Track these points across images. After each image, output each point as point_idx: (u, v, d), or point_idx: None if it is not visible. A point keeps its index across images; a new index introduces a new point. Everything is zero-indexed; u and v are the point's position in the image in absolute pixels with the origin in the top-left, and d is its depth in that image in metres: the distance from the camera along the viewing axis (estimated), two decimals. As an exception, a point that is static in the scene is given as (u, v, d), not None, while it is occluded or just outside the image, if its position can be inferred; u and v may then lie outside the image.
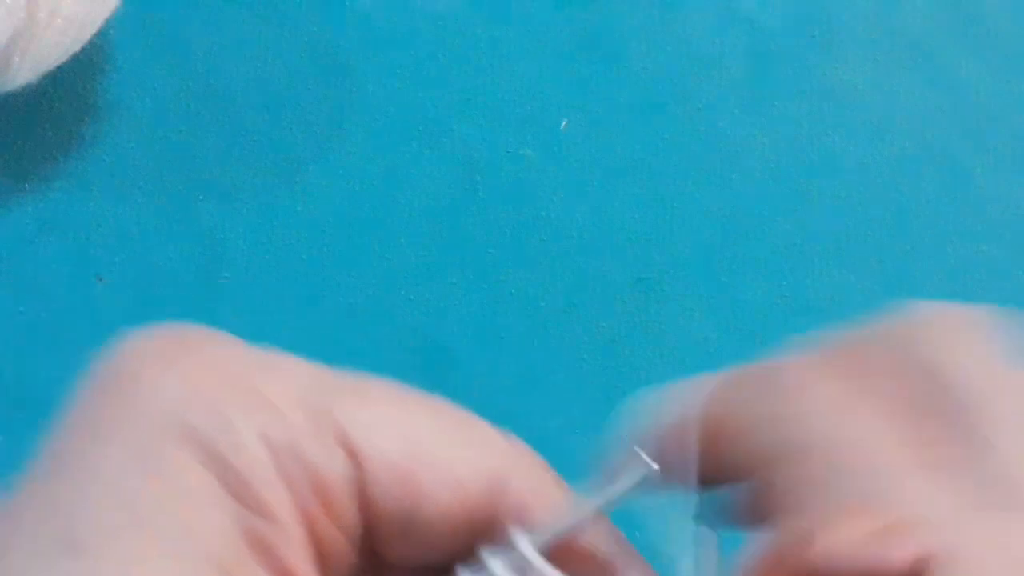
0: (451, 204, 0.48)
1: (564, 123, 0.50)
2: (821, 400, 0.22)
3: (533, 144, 0.49)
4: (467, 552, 0.23)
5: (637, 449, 0.23)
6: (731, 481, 0.23)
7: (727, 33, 0.51)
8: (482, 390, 0.46)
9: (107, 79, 0.48)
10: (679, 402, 0.24)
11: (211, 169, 0.47)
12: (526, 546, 0.22)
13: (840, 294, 0.48)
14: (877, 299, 0.48)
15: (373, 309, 0.46)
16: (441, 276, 0.47)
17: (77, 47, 0.44)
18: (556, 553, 0.23)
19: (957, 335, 0.22)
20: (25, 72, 0.42)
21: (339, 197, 0.48)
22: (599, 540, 0.23)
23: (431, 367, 0.46)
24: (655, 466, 0.23)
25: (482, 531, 0.22)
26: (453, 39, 0.50)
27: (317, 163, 0.48)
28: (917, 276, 0.49)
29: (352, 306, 0.46)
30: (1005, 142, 0.50)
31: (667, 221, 0.49)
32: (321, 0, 0.50)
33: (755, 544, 0.21)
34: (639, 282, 0.48)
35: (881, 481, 0.20)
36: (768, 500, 0.22)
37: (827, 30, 0.51)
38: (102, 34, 0.45)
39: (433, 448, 0.22)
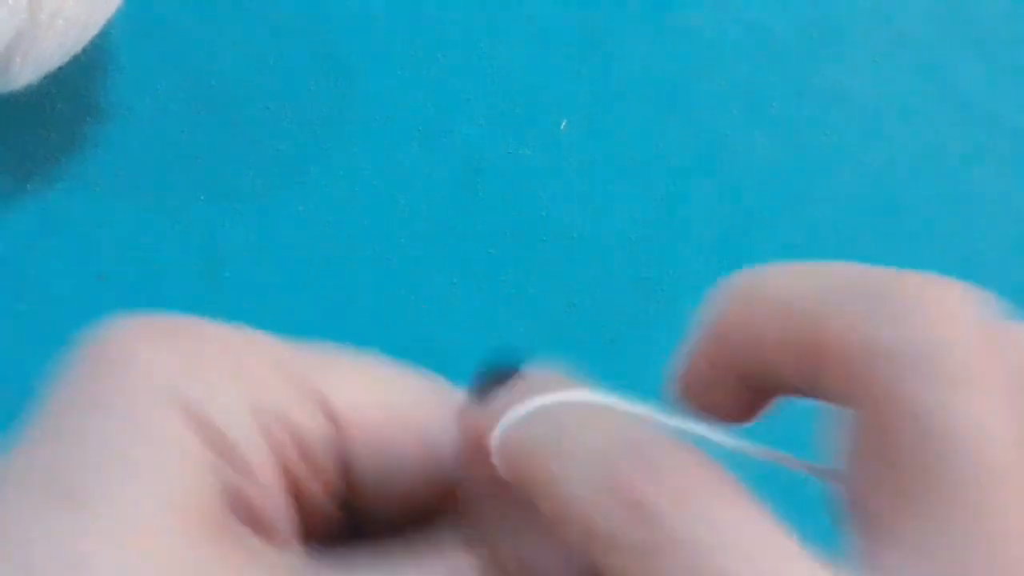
0: (451, 204, 0.48)
1: (564, 123, 0.50)
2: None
3: (533, 144, 0.49)
4: (446, 507, 0.24)
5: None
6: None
7: (727, 33, 0.51)
8: (482, 390, 0.46)
9: (108, 80, 0.48)
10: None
11: (211, 169, 0.48)
12: None
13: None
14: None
15: (372, 308, 0.46)
16: (441, 276, 0.47)
17: (79, 48, 0.44)
18: None
19: None
20: (27, 73, 0.42)
21: (339, 197, 0.48)
22: None
23: (430, 366, 0.46)
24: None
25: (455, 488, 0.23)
26: (453, 39, 0.51)
27: (317, 163, 0.48)
28: (917, 276, 0.49)
29: (352, 306, 0.46)
30: (1004, 142, 0.50)
31: (667, 221, 0.49)
32: (321, 0, 0.51)
33: None
34: (639, 282, 0.48)
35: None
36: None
37: (827, 30, 0.52)
38: (103, 35, 0.45)
39: (410, 411, 0.23)
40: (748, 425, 0.24)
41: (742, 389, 0.24)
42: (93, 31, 0.44)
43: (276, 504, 0.22)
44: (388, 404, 0.23)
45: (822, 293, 0.22)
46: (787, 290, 0.23)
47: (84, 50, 0.44)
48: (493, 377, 0.23)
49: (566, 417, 0.22)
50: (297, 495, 0.22)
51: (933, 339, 0.20)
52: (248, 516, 0.21)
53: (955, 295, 0.22)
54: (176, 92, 0.49)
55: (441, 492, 0.24)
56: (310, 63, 0.50)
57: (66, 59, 0.44)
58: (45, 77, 0.44)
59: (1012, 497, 0.18)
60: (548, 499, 0.20)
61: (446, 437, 0.23)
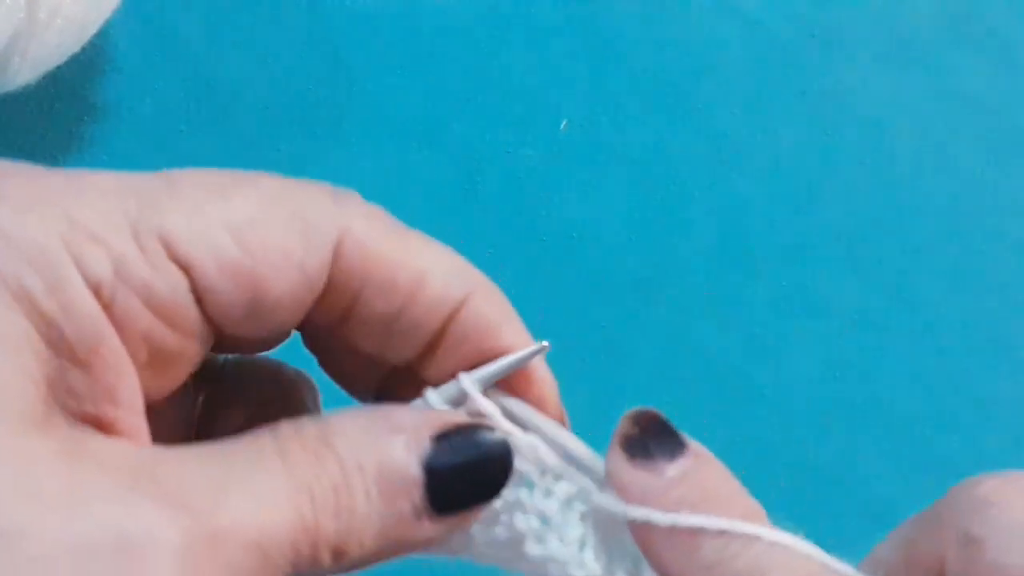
0: (451, 204, 0.48)
1: (564, 123, 0.50)
2: None
3: (533, 144, 0.49)
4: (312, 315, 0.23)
5: None
6: None
7: (727, 33, 0.51)
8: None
9: (107, 79, 0.48)
10: None
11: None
12: (465, 381, 0.24)
13: (840, 294, 0.48)
14: (877, 299, 0.48)
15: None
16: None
17: (77, 47, 0.44)
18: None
19: None
20: (25, 72, 0.42)
21: (339, 197, 0.48)
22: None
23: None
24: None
25: (331, 300, 0.23)
26: (453, 39, 0.50)
27: (317, 163, 0.48)
28: (917, 276, 0.49)
29: (352, 306, 0.46)
30: (1005, 142, 0.50)
31: (667, 221, 0.49)
32: (321, 0, 0.50)
33: None
34: (639, 282, 0.48)
35: None
36: None
37: (827, 30, 0.51)
38: (102, 35, 0.45)
39: (266, 233, 0.22)
40: None
41: None
42: (92, 30, 0.44)
43: (106, 389, 0.21)
44: (243, 232, 0.22)
45: None
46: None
47: (82, 49, 0.44)
48: (653, 435, 0.23)
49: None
50: (154, 350, 0.22)
51: None
52: (72, 403, 0.21)
53: None
54: (175, 92, 0.49)
55: (315, 306, 0.23)
56: (310, 63, 0.50)
57: (64, 58, 0.44)
58: (43, 76, 0.44)
59: None
60: None
61: (310, 254, 0.22)
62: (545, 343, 0.25)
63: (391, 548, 0.22)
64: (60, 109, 0.48)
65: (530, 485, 0.24)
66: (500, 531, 0.23)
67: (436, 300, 0.24)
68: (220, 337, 0.23)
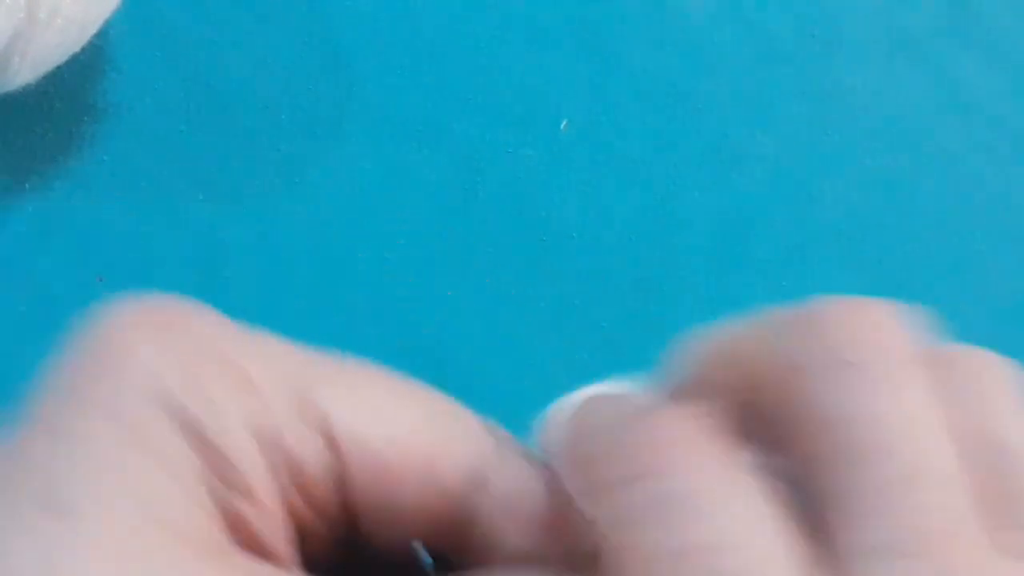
0: (451, 204, 0.48)
1: (564, 123, 0.50)
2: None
3: (533, 144, 0.49)
4: (448, 535, 0.23)
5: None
6: None
7: (727, 33, 0.51)
8: (481, 390, 0.45)
9: (107, 79, 0.48)
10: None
11: (211, 169, 0.47)
12: None
13: (840, 294, 0.48)
14: (877, 299, 0.48)
15: (372, 309, 0.46)
16: (441, 276, 0.47)
17: (77, 47, 0.44)
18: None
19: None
20: (25, 72, 0.42)
21: (339, 197, 0.48)
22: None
23: (430, 367, 0.46)
24: None
25: (461, 519, 0.23)
26: (453, 39, 0.50)
27: (317, 163, 0.48)
28: (917, 276, 0.49)
29: (351, 306, 0.46)
30: (1005, 142, 0.50)
31: (667, 221, 0.49)
32: (321, 0, 0.50)
33: None
34: (639, 282, 0.48)
35: None
36: None
37: (827, 30, 0.51)
38: (102, 34, 0.45)
39: (415, 439, 0.22)
40: None
41: None
42: (92, 30, 0.44)
43: (276, 530, 0.21)
44: (394, 429, 0.22)
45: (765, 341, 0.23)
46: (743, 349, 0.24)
47: (83, 49, 0.44)
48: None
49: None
50: (293, 519, 0.21)
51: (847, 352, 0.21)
52: (248, 541, 0.20)
53: (873, 314, 0.23)
54: (175, 92, 0.49)
55: (446, 523, 0.23)
56: (310, 63, 0.50)
57: (64, 58, 0.44)
58: (43, 77, 0.44)
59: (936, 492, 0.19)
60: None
61: (452, 469, 0.22)
62: None
63: None
64: (60, 109, 0.48)
65: None
66: None
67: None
68: (353, 534, 0.23)
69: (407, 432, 0.22)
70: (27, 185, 0.47)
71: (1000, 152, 0.50)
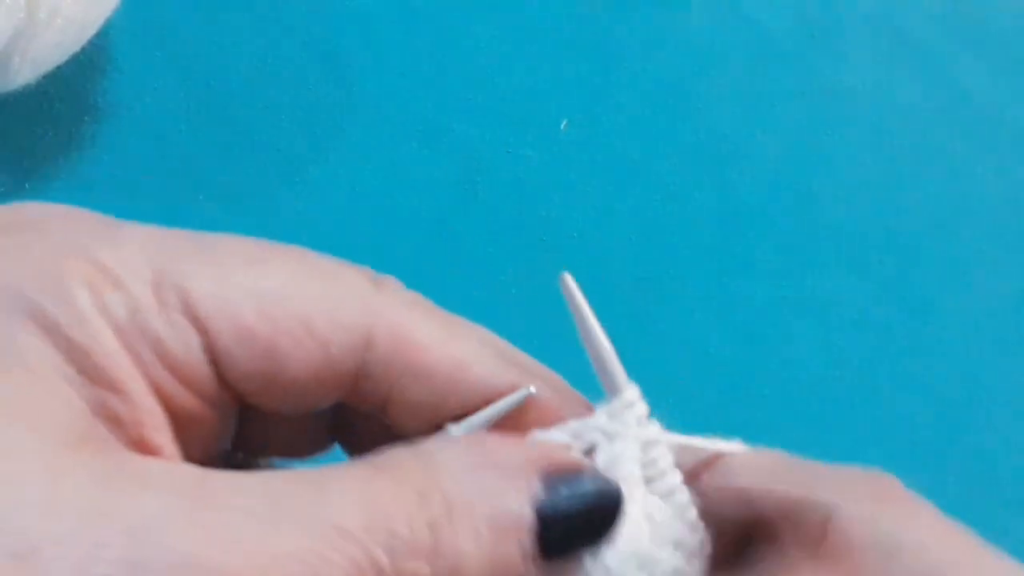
0: (451, 204, 0.48)
1: (564, 123, 0.50)
2: None
3: (533, 144, 0.49)
4: (344, 396, 0.23)
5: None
6: None
7: (727, 33, 0.51)
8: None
9: (107, 79, 0.48)
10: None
11: (211, 169, 0.47)
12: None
13: (840, 294, 0.48)
14: (877, 299, 0.48)
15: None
16: (441, 275, 0.47)
17: (77, 47, 0.44)
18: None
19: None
20: (25, 72, 0.42)
21: (339, 197, 0.48)
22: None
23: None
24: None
25: (351, 374, 0.22)
26: (453, 39, 0.50)
27: (317, 163, 0.48)
28: (917, 276, 0.49)
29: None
30: (1005, 142, 0.50)
31: (667, 221, 0.49)
32: (321, 0, 0.50)
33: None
34: (639, 282, 0.48)
35: None
36: None
37: (827, 30, 0.51)
38: (102, 34, 0.45)
39: (291, 306, 0.22)
40: None
41: None
42: (92, 30, 0.44)
43: (145, 417, 0.21)
44: (267, 300, 0.22)
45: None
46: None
47: (83, 49, 0.44)
48: None
49: None
50: (168, 405, 0.21)
51: None
52: (116, 430, 0.20)
53: None
54: (175, 92, 0.49)
55: (338, 385, 0.22)
56: (310, 63, 0.50)
57: (64, 58, 0.44)
58: (43, 76, 0.44)
59: None
60: None
61: (337, 332, 0.22)
62: (532, 388, 0.24)
63: None
64: (60, 109, 0.48)
65: None
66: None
67: (479, 389, 0.23)
68: (244, 407, 0.22)
69: (281, 300, 0.22)
70: (27, 185, 0.47)
71: (1000, 152, 0.50)
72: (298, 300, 0.22)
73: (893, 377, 0.47)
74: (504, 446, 0.22)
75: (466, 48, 0.50)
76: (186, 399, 0.21)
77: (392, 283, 0.24)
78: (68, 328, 0.20)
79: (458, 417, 0.23)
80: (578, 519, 0.22)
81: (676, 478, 0.23)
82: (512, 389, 0.23)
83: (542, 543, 0.21)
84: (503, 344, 0.25)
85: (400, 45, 0.50)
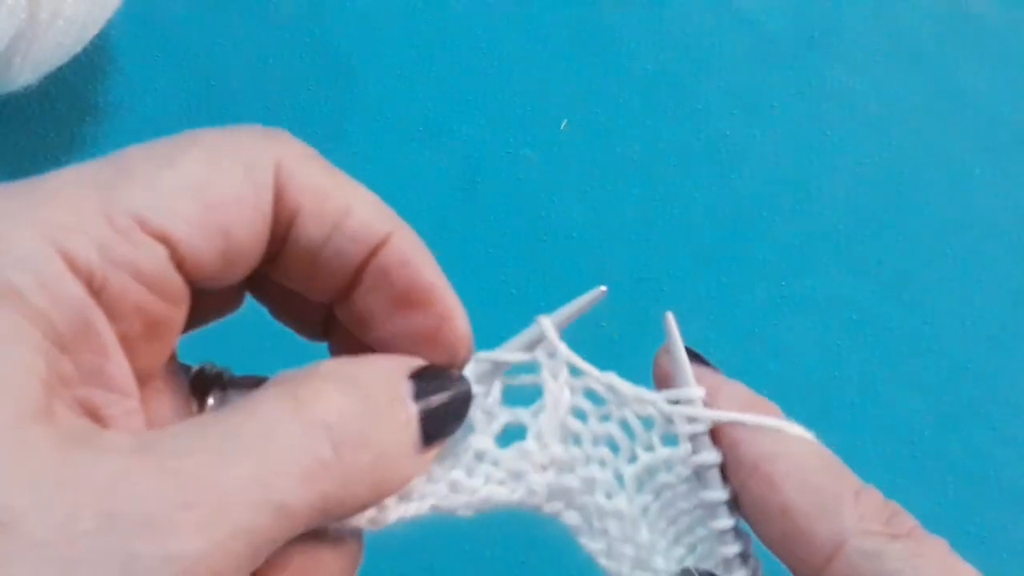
0: (451, 204, 0.48)
1: (564, 123, 0.50)
2: None
3: (533, 144, 0.49)
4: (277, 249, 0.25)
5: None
6: None
7: (727, 33, 0.51)
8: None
9: (108, 80, 0.48)
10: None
11: (211, 169, 0.47)
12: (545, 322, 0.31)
13: (840, 294, 0.48)
14: (877, 299, 0.48)
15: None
16: (441, 276, 0.47)
17: (78, 48, 0.44)
18: None
19: None
20: (26, 73, 0.42)
21: (339, 197, 0.48)
22: None
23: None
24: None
25: (284, 238, 0.25)
26: (453, 39, 0.51)
27: (317, 163, 0.48)
28: (917, 276, 0.49)
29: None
30: (1005, 142, 0.50)
31: (667, 221, 0.49)
32: (321, 0, 0.51)
33: None
34: (639, 282, 0.48)
35: None
36: None
37: (827, 31, 0.51)
38: (103, 35, 0.45)
39: (220, 188, 0.24)
40: None
41: None
42: (93, 31, 0.44)
43: (120, 374, 0.22)
44: (204, 197, 0.23)
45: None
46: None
47: (84, 50, 0.44)
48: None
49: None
50: (147, 320, 0.23)
51: None
52: (69, 390, 0.22)
53: None
54: (176, 92, 0.49)
55: (269, 236, 0.25)
56: (310, 63, 0.50)
57: (66, 59, 0.44)
58: (45, 77, 0.44)
59: None
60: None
61: (256, 188, 0.24)
62: (603, 287, 0.30)
63: (385, 487, 0.24)
64: (61, 109, 0.48)
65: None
66: (570, 479, 0.28)
67: (361, 231, 0.26)
68: (194, 297, 0.24)
69: (204, 184, 0.24)
70: (28, 185, 0.47)
71: (999, 152, 0.50)
72: (222, 178, 0.24)
73: (893, 377, 0.47)
74: (381, 356, 0.26)
75: (466, 48, 0.50)
76: (161, 308, 0.23)
77: (284, 134, 0.27)
78: (30, 294, 0.21)
79: (395, 303, 0.27)
80: (446, 408, 0.26)
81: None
82: (387, 236, 0.26)
83: (423, 430, 0.25)
84: (382, 202, 0.28)
85: (400, 45, 0.50)
